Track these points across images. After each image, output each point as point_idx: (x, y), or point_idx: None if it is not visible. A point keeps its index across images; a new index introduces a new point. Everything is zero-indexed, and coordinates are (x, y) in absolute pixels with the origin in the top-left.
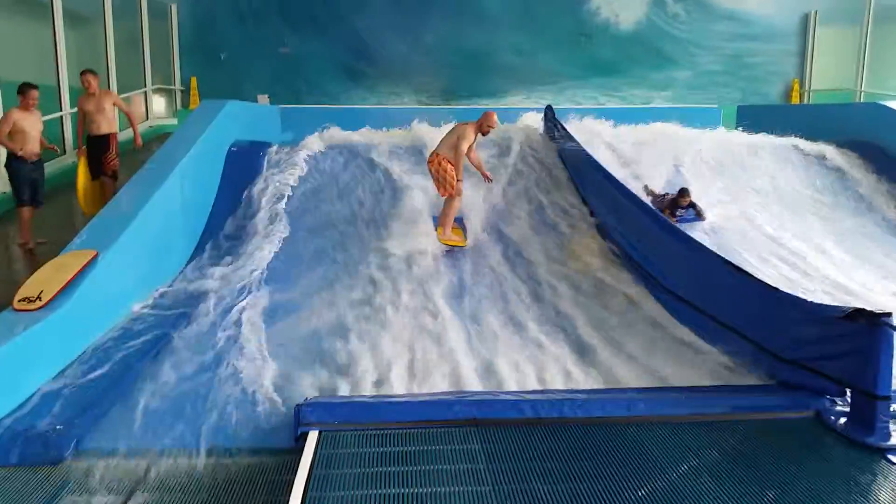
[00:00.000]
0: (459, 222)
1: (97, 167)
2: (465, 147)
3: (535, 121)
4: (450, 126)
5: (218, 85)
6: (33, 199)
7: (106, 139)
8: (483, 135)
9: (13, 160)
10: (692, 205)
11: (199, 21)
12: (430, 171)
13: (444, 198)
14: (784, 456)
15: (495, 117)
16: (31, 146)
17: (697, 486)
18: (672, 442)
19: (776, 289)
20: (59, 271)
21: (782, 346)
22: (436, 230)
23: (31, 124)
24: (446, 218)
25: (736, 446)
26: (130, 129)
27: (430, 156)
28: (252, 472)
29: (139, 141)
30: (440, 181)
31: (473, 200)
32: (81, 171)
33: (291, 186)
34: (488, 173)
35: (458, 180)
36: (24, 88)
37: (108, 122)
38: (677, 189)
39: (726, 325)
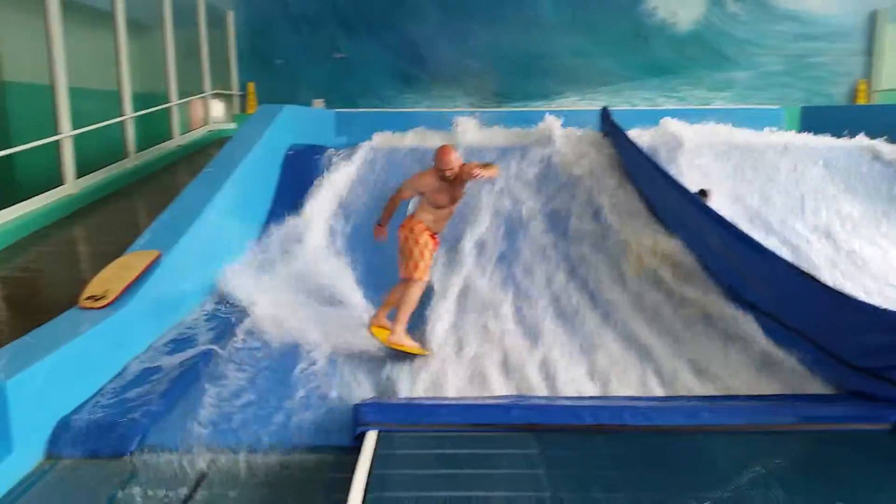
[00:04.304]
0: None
1: None
2: (405, 192)
3: (556, 125)
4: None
5: (274, 90)
6: None
7: None
8: (444, 181)
9: None
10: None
11: (256, 27)
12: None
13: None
14: (860, 469)
15: (449, 155)
16: None
17: (766, 496)
18: (738, 451)
19: (848, 295)
20: (123, 270)
21: (854, 354)
22: (369, 326)
23: None
24: (401, 312)
25: (807, 457)
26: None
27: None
28: (311, 470)
29: None
30: (403, 253)
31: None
32: None
33: (347, 189)
34: (483, 171)
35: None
36: None
37: None
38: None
39: (796, 331)
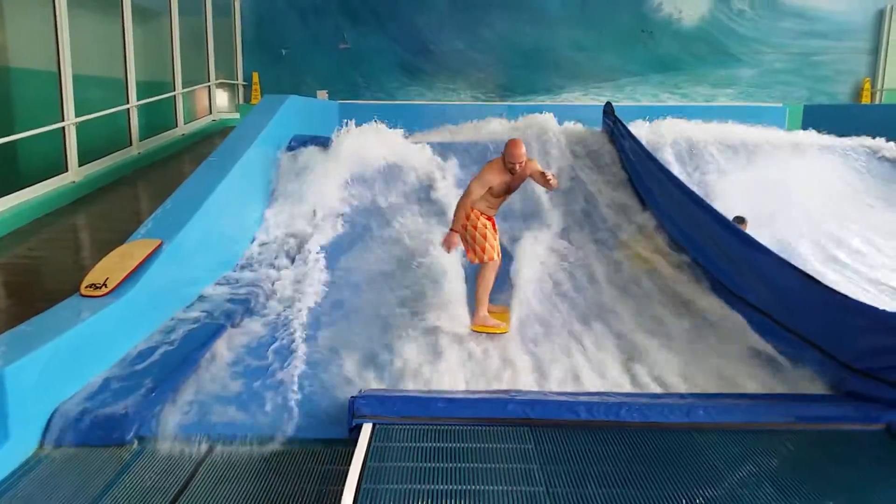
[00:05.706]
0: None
1: None
2: (476, 191)
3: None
4: None
5: (279, 80)
6: None
7: None
8: (510, 173)
9: None
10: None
11: (261, 17)
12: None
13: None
14: (853, 469)
15: (519, 149)
16: None
17: (758, 494)
18: (732, 449)
19: (845, 295)
20: (124, 259)
21: (851, 355)
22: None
23: None
24: (479, 294)
25: (800, 456)
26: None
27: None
28: (307, 461)
29: None
30: (467, 241)
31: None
32: None
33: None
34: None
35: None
36: None
37: None
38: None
39: (792, 332)
